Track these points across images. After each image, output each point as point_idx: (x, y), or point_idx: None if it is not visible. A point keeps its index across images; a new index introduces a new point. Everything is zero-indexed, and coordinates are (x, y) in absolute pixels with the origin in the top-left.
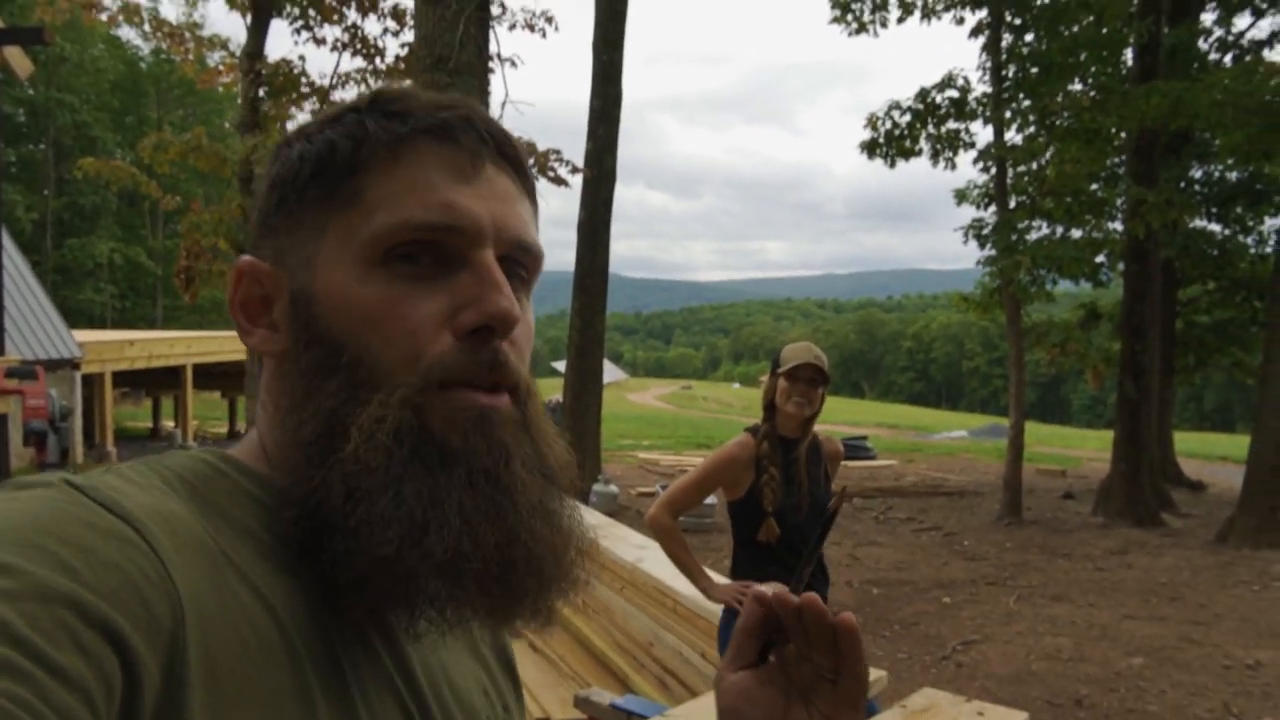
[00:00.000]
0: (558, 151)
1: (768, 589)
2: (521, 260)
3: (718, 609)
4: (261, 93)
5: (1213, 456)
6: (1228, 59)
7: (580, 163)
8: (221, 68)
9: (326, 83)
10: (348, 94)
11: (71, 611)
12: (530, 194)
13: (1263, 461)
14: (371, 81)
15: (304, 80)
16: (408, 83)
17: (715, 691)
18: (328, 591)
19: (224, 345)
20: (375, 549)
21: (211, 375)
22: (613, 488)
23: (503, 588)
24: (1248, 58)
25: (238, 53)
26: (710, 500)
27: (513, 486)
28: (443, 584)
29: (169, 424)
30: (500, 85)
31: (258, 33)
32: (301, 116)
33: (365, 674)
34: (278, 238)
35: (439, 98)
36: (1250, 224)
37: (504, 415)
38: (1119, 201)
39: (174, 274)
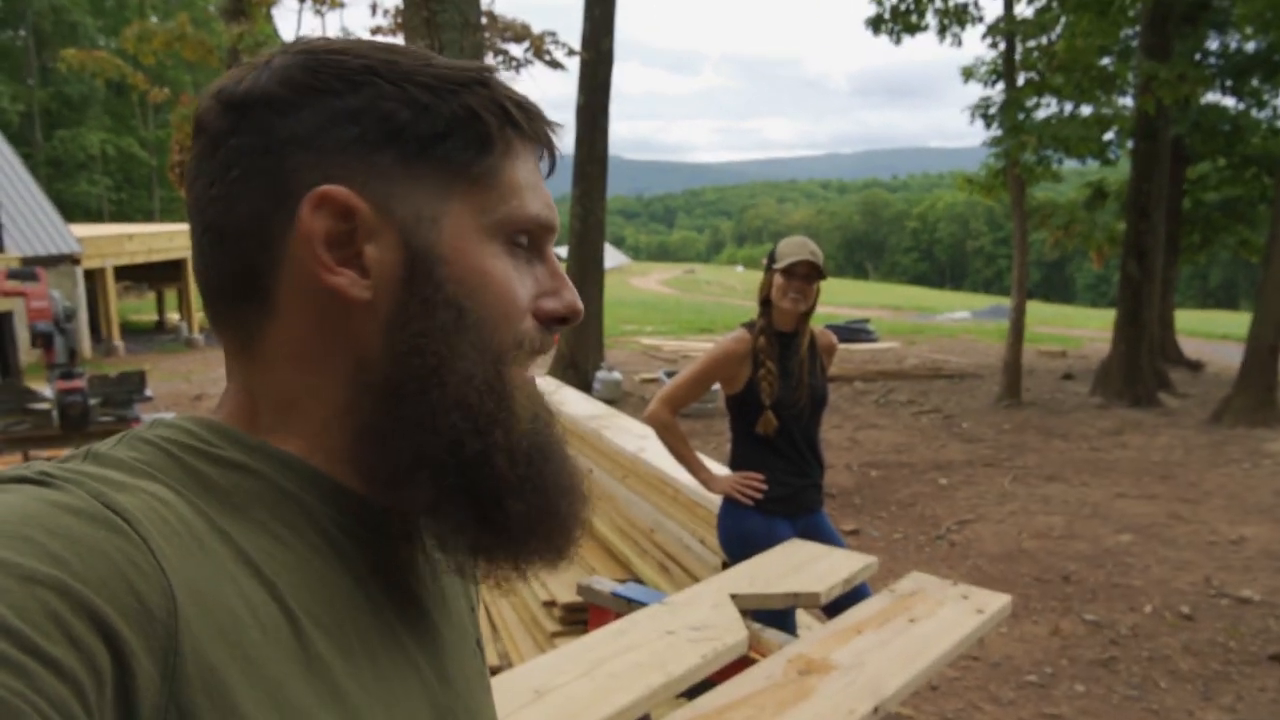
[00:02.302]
0: (553, 34)
1: None
2: None
3: (717, 499)
4: None
5: (1214, 335)
6: None
7: (576, 45)
8: None
9: None
10: None
11: (61, 602)
12: None
13: (1262, 342)
14: None
15: None
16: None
17: None
18: (355, 555)
19: None
20: (542, 520)
21: None
22: (616, 375)
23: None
24: None
25: None
26: (715, 385)
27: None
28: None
29: (174, 316)
30: None
31: None
32: (287, 2)
33: (389, 639)
34: (385, 183)
35: (517, 92)
36: (1265, 98)
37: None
38: (1130, 76)
39: (168, 168)
